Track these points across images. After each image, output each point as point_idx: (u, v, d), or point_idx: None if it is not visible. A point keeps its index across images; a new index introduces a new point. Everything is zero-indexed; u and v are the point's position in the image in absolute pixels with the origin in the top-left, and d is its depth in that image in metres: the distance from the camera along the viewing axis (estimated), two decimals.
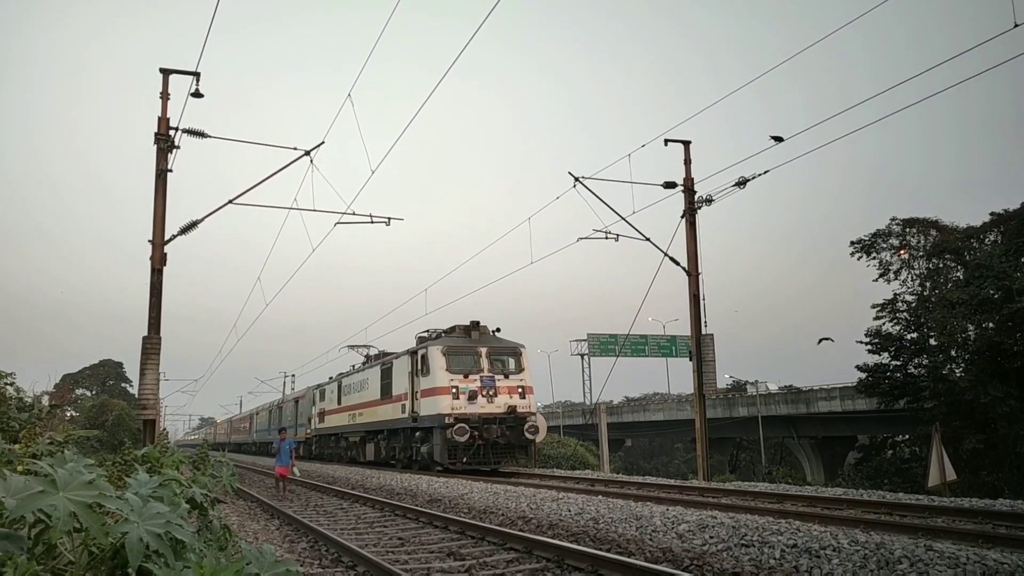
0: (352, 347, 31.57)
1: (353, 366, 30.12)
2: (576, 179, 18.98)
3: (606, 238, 19.86)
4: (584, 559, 7.01)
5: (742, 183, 18.57)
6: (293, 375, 62.51)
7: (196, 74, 14.83)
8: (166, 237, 15.24)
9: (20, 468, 3.26)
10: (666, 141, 19.95)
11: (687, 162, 20.23)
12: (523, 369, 20.13)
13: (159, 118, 15.35)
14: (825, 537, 6.98)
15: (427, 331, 22.10)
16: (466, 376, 19.08)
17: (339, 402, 29.84)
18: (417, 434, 20.60)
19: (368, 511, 12.88)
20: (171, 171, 15.38)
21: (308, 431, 36.10)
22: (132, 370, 66.92)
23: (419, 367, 20.37)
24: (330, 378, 33.24)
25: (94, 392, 69.50)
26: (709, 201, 19.57)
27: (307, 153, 16.04)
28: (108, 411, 41.62)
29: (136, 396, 17.76)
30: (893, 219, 37.86)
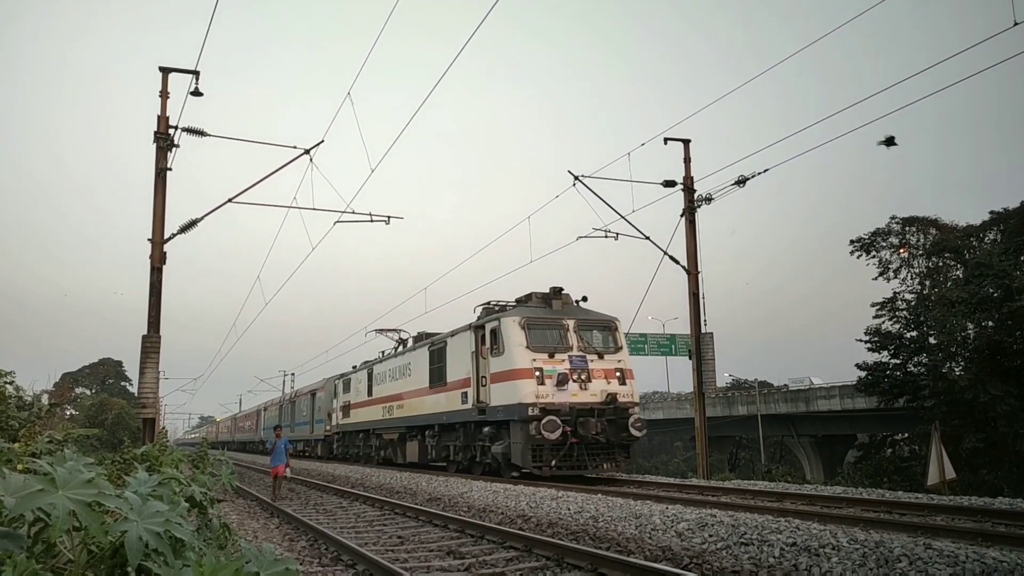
0: (380, 331, 27.60)
1: (383, 352, 26.13)
2: (576, 178, 18.98)
3: (606, 237, 19.86)
4: (584, 557, 7.01)
5: (741, 182, 18.58)
6: (292, 374, 62.53)
7: (196, 72, 14.83)
8: (166, 236, 15.24)
9: (19, 467, 3.27)
10: (666, 140, 19.96)
11: (687, 161, 20.24)
12: (620, 347, 16.36)
13: (158, 116, 15.35)
14: (824, 535, 6.99)
15: (490, 302, 18.24)
16: (551, 355, 15.30)
17: (370, 393, 25.61)
18: (485, 430, 16.63)
19: (368, 509, 12.89)
20: (171, 170, 15.38)
21: (328, 428, 31.85)
22: (132, 369, 67.10)
23: (488, 344, 16.42)
24: (354, 367, 29.30)
25: (94, 391, 69.60)
26: (709, 200, 19.58)
27: (307, 152, 16.04)
28: (108, 410, 41.70)
29: (136, 395, 17.76)
30: (893, 217, 37.93)
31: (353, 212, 17.56)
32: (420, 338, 22.54)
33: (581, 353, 15.63)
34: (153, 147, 15.35)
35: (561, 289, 17.10)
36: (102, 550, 2.03)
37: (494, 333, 16.18)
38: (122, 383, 76.59)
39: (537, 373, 15.02)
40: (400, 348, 24.60)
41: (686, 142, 20.24)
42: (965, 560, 5.83)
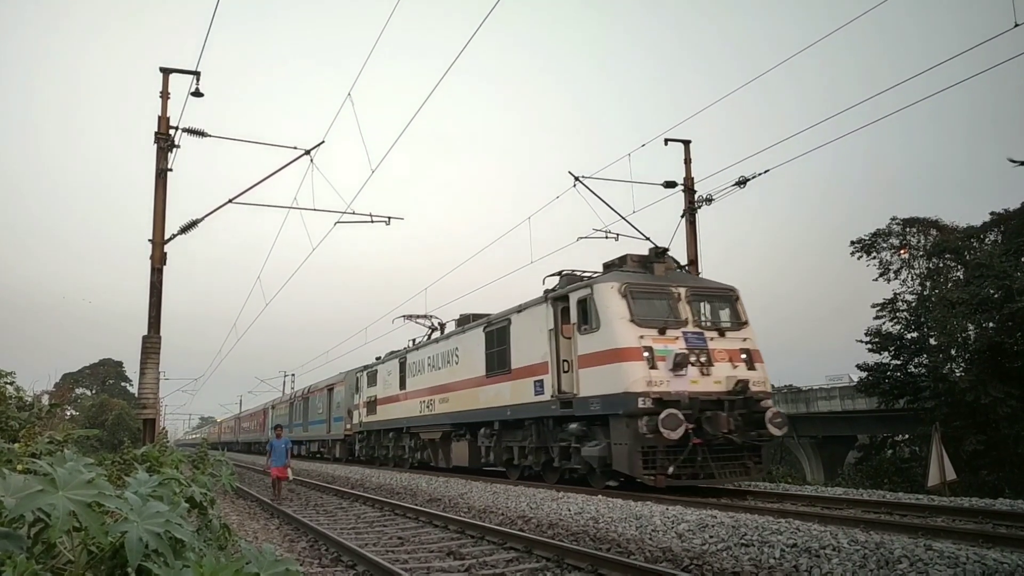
0: (409, 317, 24.80)
1: (413, 341, 23.36)
2: (576, 178, 18.95)
3: (606, 237, 19.80)
4: (584, 558, 7.01)
5: (742, 182, 18.57)
6: (293, 374, 62.47)
7: (196, 73, 14.83)
8: (166, 236, 15.23)
9: (20, 467, 3.26)
10: (666, 140, 19.95)
11: (687, 161, 20.24)
12: (745, 322, 13.38)
13: (159, 117, 15.34)
14: (825, 536, 6.98)
15: (563, 271, 15.12)
16: (661, 332, 12.31)
17: (402, 385, 22.60)
18: (571, 427, 13.47)
19: (368, 510, 12.89)
20: (171, 170, 15.37)
21: (348, 427, 29.00)
22: (132, 369, 67.21)
23: (575, 319, 13.44)
24: (377, 358, 26.39)
25: (94, 391, 69.74)
26: (709, 200, 19.57)
27: (307, 152, 16.03)
28: (108, 410, 41.77)
29: (136, 395, 17.76)
30: (893, 219, 37.96)
31: (353, 213, 17.51)
32: (466, 320, 19.28)
33: (697, 329, 12.70)
34: (154, 148, 15.36)
35: (666, 250, 14.12)
36: (102, 551, 2.03)
37: (584, 304, 13.18)
38: (122, 384, 76.78)
39: (646, 354, 11.98)
40: (437, 333, 21.89)
41: (686, 143, 20.24)
42: (966, 561, 5.83)
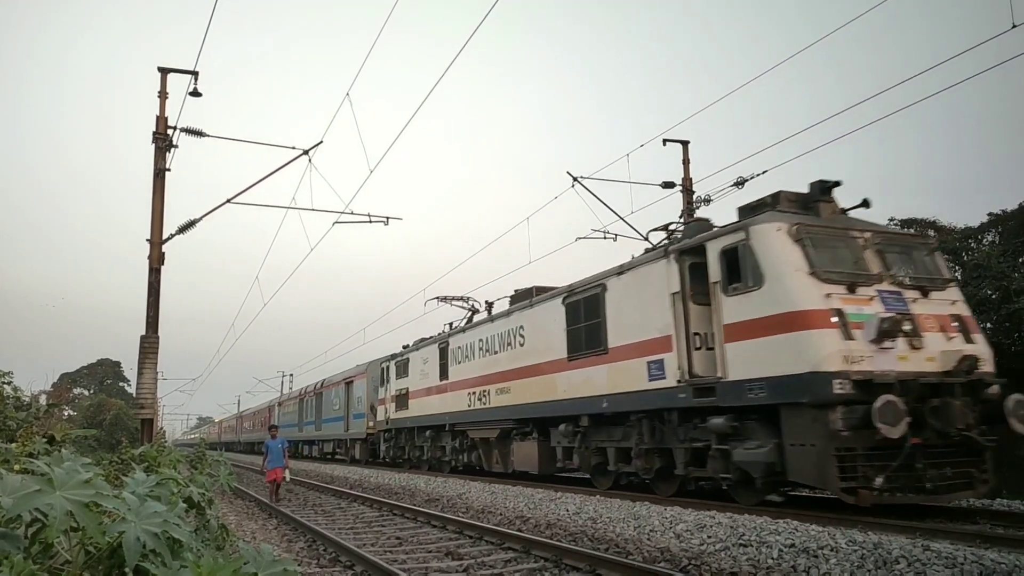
0: (443, 299, 21.90)
1: (450, 325, 20.58)
2: (574, 179, 18.96)
3: (604, 238, 19.83)
4: (582, 559, 7.02)
5: (740, 183, 18.59)
6: (291, 374, 62.52)
7: (195, 73, 14.83)
8: (164, 236, 15.22)
9: (17, 467, 3.26)
10: (664, 141, 19.98)
11: (685, 162, 20.27)
12: (950, 280, 10.29)
13: (157, 117, 15.33)
14: (823, 537, 6.99)
15: (670, 225, 12.55)
16: (851, 289, 9.08)
17: (444, 375, 19.48)
18: (713, 421, 10.06)
19: (366, 510, 12.89)
20: (169, 170, 15.36)
21: (371, 424, 26.01)
22: (130, 369, 67.15)
23: (719, 277, 10.04)
24: (405, 347, 23.38)
25: (92, 391, 69.59)
26: (708, 201, 19.58)
27: (305, 152, 16.02)
28: (106, 410, 41.62)
29: (134, 395, 17.74)
30: (891, 219, 37.98)
31: (352, 213, 17.51)
32: (526, 295, 16.19)
33: (894, 287, 9.41)
34: (152, 147, 15.35)
35: (837, 183, 10.47)
36: (100, 551, 2.03)
37: (732, 255, 9.82)
38: (120, 383, 76.65)
39: (835, 319, 8.72)
40: (470, 322, 19.52)
41: (685, 143, 20.28)
42: (963, 562, 5.84)
